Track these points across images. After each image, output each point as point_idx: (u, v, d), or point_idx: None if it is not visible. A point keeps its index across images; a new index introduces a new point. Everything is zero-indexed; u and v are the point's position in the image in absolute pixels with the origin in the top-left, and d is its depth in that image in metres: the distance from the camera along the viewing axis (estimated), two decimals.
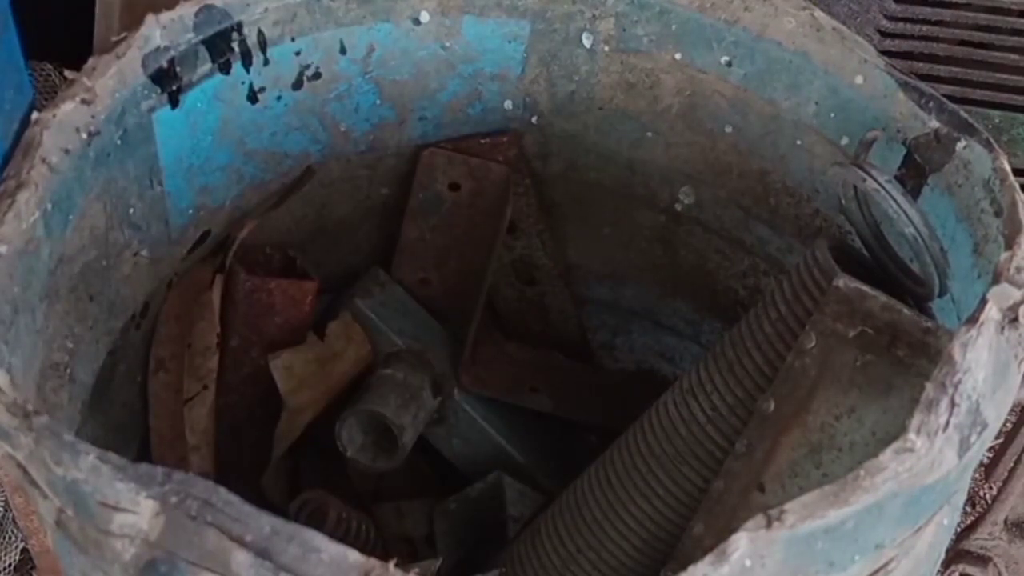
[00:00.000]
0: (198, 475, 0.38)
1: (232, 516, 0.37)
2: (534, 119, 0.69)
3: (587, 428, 0.77)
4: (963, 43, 0.87)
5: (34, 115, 0.52)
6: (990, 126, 0.87)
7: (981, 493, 1.14)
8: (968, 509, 1.12)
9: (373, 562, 0.37)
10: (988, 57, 0.87)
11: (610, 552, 0.60)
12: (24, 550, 1.00)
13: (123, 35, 0.56)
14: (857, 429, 0.53)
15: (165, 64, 0.56)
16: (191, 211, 0.62)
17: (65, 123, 0.52)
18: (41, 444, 0.39)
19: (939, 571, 0.97)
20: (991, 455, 1.10)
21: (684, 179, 0.69)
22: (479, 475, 0.72)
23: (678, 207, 0.70)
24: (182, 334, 0.65)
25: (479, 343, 0.73)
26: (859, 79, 0.59)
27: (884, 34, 0.85)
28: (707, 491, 0.57)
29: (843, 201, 0.58)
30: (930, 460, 0.40)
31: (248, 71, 0.60)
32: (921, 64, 0.86)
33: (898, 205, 0.53)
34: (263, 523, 0.37)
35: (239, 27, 0.59)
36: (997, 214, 0.52)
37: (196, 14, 0.57)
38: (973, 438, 0.41)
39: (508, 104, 0.68)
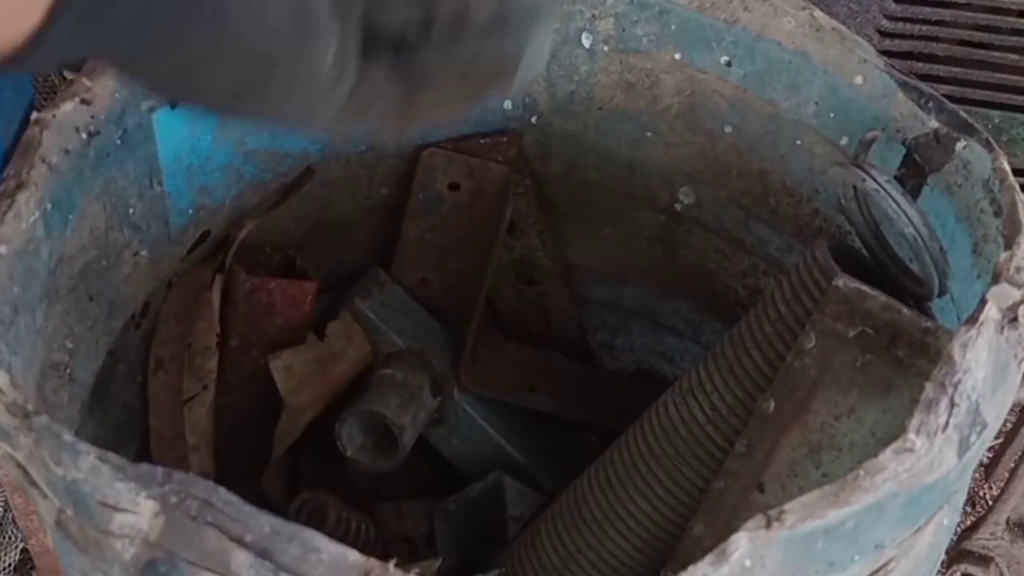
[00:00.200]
0: (198, 475, 0.38)
1: (232, 516, 0.37)
2: (534, 119, 0.69)
3: (587, 428, 0.77)
4: (963, 43, 0.87)
5: (34, 115, 0.52)
6: (990, 126, 0.87)
7: (981, 493, 1.14)
8: (968, 509, 1.12)
9: (373, 562, 0.37)
10: (988, 57, 0.87)
11: (610, 552, 0.60)
12: (24, 550, 1.00)
13: None
14: (857, 429, 0.53)
15: None
16: (191, 211, 0.62)
17: (65, 123, 0.52)
18: (41, 444, 0.39)
19: (941, 571, 0.97)
20: (991, 455, 1.10)
21: (684, 179, 0.69)
22: (479, 475, 0.72)
23: (678, 207, 0.70)
24: (182, 334, 0.65)
25: (479, 343, 0.73)
26: (859, 79, 0.59)
27: (884, 34, 0.85)
28: (707, 491, 0.57)
29: (843, 201, 0.58)
30: (930, 460, 0.40)
31: None
32: (921, 64, 0.86)
33: (898, 205, 0.53)
34: (263, 523, 0.37)
35: None
36: (997, 214, 0.52)
37: None
38: (973, 438, 0.41)
39: (508, 104, 0.68)
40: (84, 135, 0.53)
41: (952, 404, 0.41)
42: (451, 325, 0.74)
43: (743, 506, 0.55)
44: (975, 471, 1.07)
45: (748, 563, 0.38)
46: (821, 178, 0.63)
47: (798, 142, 0.63)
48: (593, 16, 0.64)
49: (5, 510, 0.98)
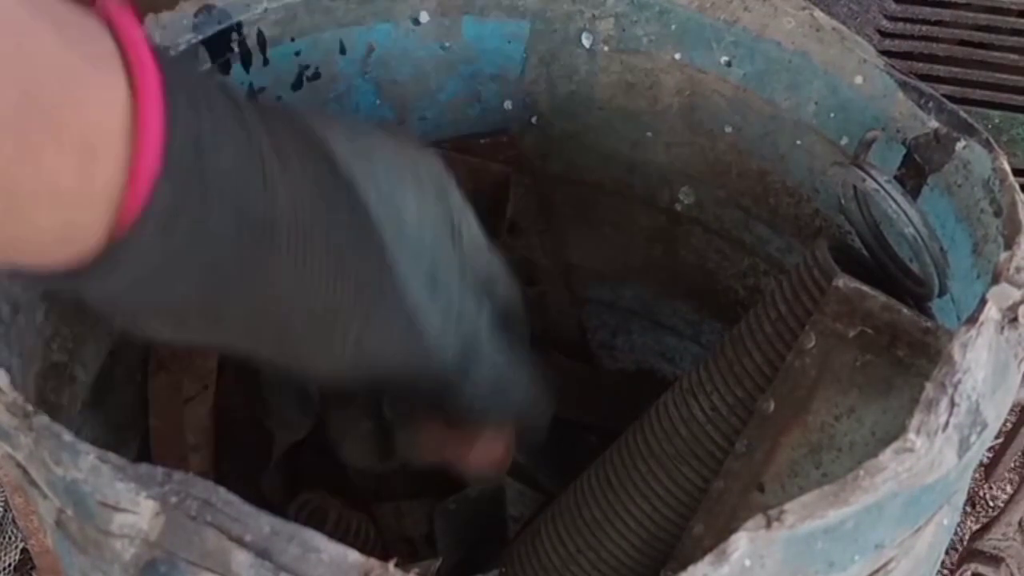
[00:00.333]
0: (198, 475, 0.38)
1: (232, 516, 0.37)
2: (534, 119, 0.69)
3: (587, 428, 0.77)
4: (963, 43, 0.87)
5: None
6: (990, 126, 0.87)
7: (981, 493, 1.14)
8: (968, 509, 1.12)
9: (373, 562, 0.37)
10: (988, 57, 0.87)
11: (610, 552, 0.60)
12: (24, 550, 1.00)
13: None
14: (857, 429, 0.53)
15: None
16: None
17: None
18: (41, 444, 0.39)
19: (950, 570, 0.97)
20: (991, 455, 1.10)
21: (684, 179, 0.69)
22: None
23: (678, 207, 0.70)
24: None
25: None
26: (859, 79, 0.59)
27: (884, 34, 0.85)
28: (707, 491, 0.57)
29: (843, 201, 0.58)
30: (930, 460, 0.40)
31: (248, 71, 0.60)
32: (921, 64, 0.86)
33: (898, 205, 0.53)
34: (263, 523, 0.37)
35: (239, 27, 0.59)
36: (997, 214, 0.51)
37: (196, 14, 0.57)
38: (973, 438, 0.41)
39: (508, 104, 0.68)
40: None
41: (952, 404, 0.41)
42: None
43: (743, 506, 0.55)
44: (975, 471, 1.07)
45: (748, 563, 0.38)
46: (821, 178, 0.63)
47: (798, 142, 0.63)
48: (593, 16, 0.64)
49: (5, 510, 0.98)
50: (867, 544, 0.41)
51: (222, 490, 0.38)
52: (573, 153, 0.70)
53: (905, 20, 0.85)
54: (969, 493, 1.06)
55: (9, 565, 0.98)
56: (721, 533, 0.51)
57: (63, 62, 0.31)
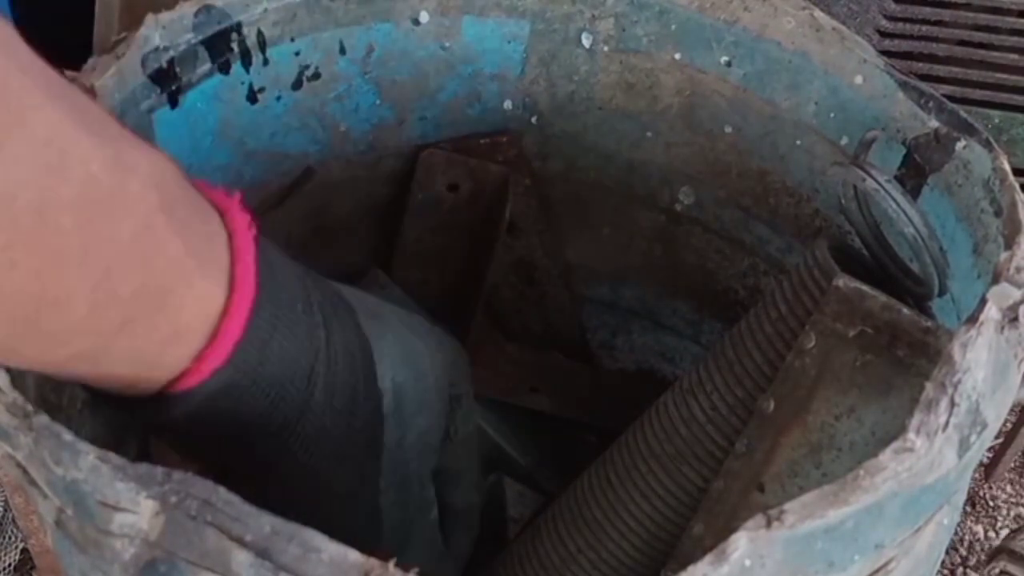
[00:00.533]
0: (198, 475, 0.38)
1: (232, 516, 0.37)
2: (534, 119, 0.69)
3: (587, 428, 0.77)
4: (963, 43, 0.87)
5: None
6: (990, 126, 0.88)
7: (981, 493, 1.14)
8: (968, 509, 1.12)
9: (373, 562, 0.37)
10: (988, 57, 0.87)
11: (610, 552, 0.60)
12: (24, 550, 1.00)
13: (123, 35, 0.56)
14: (857, 429, 0.53)
15: (165, 64, 0.56)
16: None
17: None
18: (41, 444, 0.39)
19: (950, 570, 0.97)
20: (991, 455, 1.10)
21: (684, 179, 0.69)
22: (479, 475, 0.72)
23: (678, 207, 0.70)
24: None
25: (479, 344, 0.73)
26: (859, 79, 0.59)
27: (884, 34, 0.85)
28: (707, 491, 0.57)
29: (843, 201, 0.58)
30: (930, 460, 0.40)
31: (248, 71, 0.60)
32: (921, 64, 0.86)
33: (898, 205, 0.53)
34: (263, 523, 0.37)
35: (239, 27, 0.59)
36: (997, 214, 0.51)
37: (196, 14, 0.57)
38: (973, 438, 0.41)
39: (508, 104, 0.68)
40: None
41: (952, 404, 0.41)
42: (451, 325, 0.74)
43: (743, 506, 0.55)
44: (975, 471, 1.07)
45: (748, 563, 0.38)
46: (821, 178, 0.63)
47: (798, 142, 0.63)
48: (593, 16, 0.64)
49: (5, 510, 0.98)
50: (867, 544, 0.41)
51: (222, 490, 0.38)
52: (573, 153, 0.70)
53: (905, 20, 0.85)
54: (969, 493, 1.06)
55: (9, 565, 0.98)
56: (721, 533, 0.51)
57: (179, 262, 0.37)
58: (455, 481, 0.56)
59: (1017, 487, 1.14)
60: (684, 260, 0.72)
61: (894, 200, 0.53)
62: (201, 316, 0.39)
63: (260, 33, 0.60)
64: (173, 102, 0.57)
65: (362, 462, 0.48)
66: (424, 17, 0.63)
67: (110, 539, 0.39)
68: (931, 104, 0.56)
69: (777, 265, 0.68)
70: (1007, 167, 0.52)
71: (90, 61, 0.54)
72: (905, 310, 0.53)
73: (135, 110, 0.56)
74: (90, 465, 0.38)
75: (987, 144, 0.53)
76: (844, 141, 0.60)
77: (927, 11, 0.85)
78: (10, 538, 0.98)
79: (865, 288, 0.53)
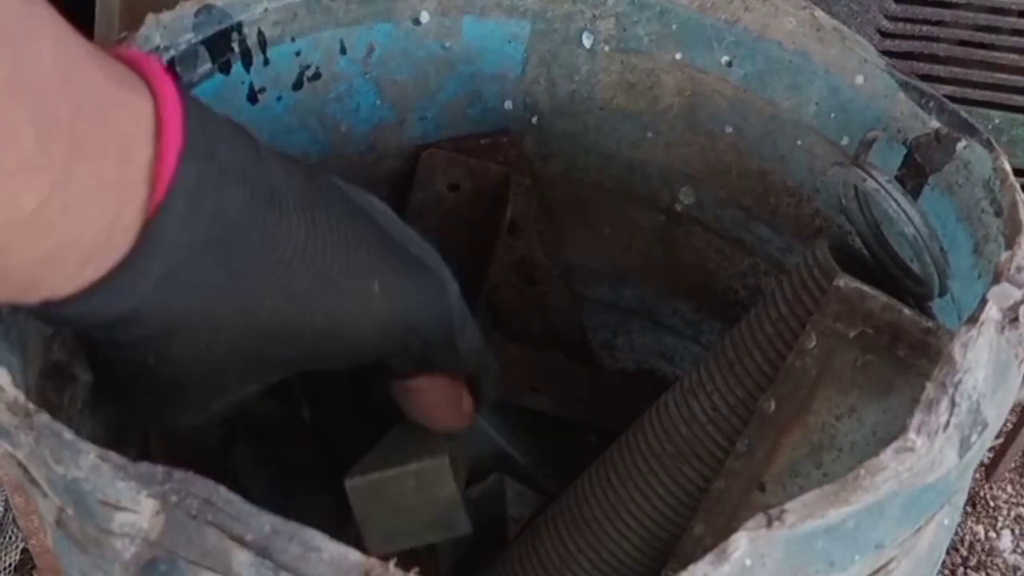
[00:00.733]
0: (198, 474, 0.38)
1: (232, 515, 0.37)
2: (534, 119, 0.69)
3: (587, 428, 0.77)
4: (963, 43, 0.87)
5: None
6: (990, 126, 0.88)
7: (981, 493, 1.14)
8: (968, 509, 1.12)
9: (373, 562, 0.37)
10: (988, 57, 0.87)
11: (610, 552, 0.60)
12: (24, 550, 1.00)
13: (123, 35, 0.56)
14: (858, 429, 0.53)
15: (165, 64, 0.56)
16: None
17: None
18: (41, 443, 0.39)
19: (951, 570, 0.97)
20: (991, 455, 1.10)
21: (684, 179, 0.69)
22: (479, 476, 0.72)
23: (678, 207, 0.70)
24: None
25: None
26: (859, 79, 0.59)
27: (884, 34, 0.85)
28: (708, 491, 0.57)
29: (843, 201, 0.58)
30: (930, 460, 0.40)
31: (248, 71, 0.60)
32: (921, 64, 0.86)
33: (898, 205, 0.53)
34: (263, 522, 0.37)
35: (239, 27, 0.59)
36: (997, 214, 0.52)
37: (196, 14, 0.57)
38: (973, 438, 0.41)
39: (508, 104, 0.68)
40: None
41: (953, 404, 0.41)
42: None
43: (744, 505, 0.55)
44: (975, 471, 1.07)
45: (748, 562, 0.38)
46: (822, 178, 0.63)
47: (799, 142, 0.63)
48: (594, 16, 0.64)
49: (5, 510, 0.98)
50: (867, 544, 0.41)
51: (223, 489, 0.38)
52: (573, 153, 0.70)
53: (905, 20, 0.85)
54: (969, 493, 1.06)
55: (9, 565, 0.98)
56: (722, 533, 0.51)
57: (102, 86, 0.40)
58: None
59: (1017, 487, 1.14)
60: (684, 260, 0.72)
61: (895, 200, 0.53)
62: (139, 123, 0.41)
63: (260, 33, 0.60)
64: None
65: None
66: (425, 17, 0.63)
67: (110, 538, 0.39)
68: (932, 104, 0.56)
69: (777, 265, 0.68)
70: (1008, 167, 0.52)
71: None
72: (906, 310, 0.53)
73: None
74: (91, 464, 0.39)
75: (988, 144, 0.53)
76: (845, 141, 0.60)
77: (928, 11, 0.85)
78: (10, 538, 0.98)
79: (866, 288, 0.53)
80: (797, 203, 0.65)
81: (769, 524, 0.38)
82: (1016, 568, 1.09)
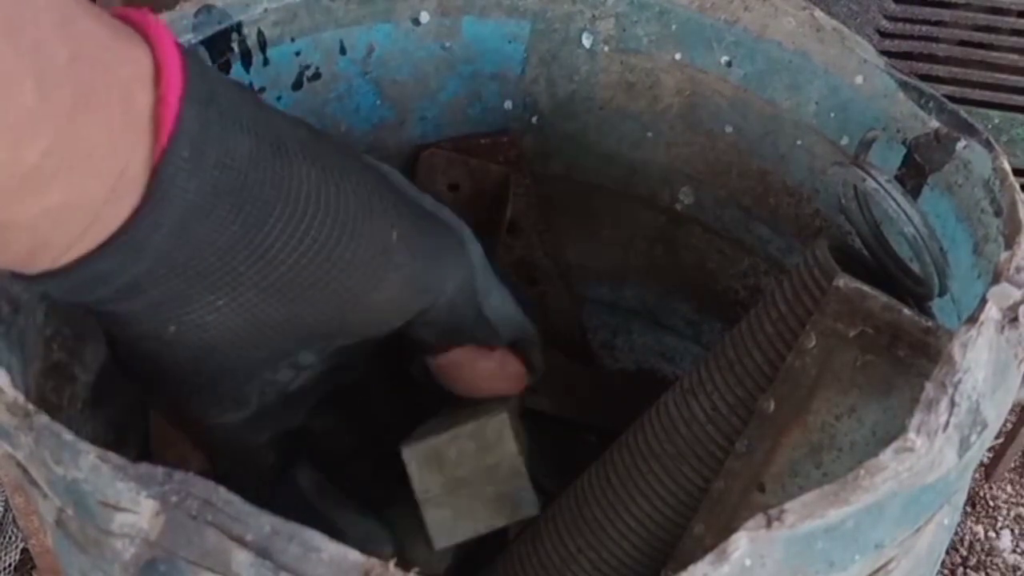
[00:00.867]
0: (199, 475, 0.38)
1: (232, 515, 0.37)
2: (534, 119, 0.69)
3: (587, 428, 0.77)
4: (963, 43, 0.87)
5: None
6: (990, 126, 0.88)
7: (981, 493, 1.14)
8: (968, 509, 1.12)
9: (373, 561, 0.37)
10: (988, 57, 0.87)
11: (610, 552, 0.60)
12: (24, 550, 1.00)
13: None
14: (857, 429, 0.53)
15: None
16: None
17: None
18: (41, 443, 0.39)
19: (950, 570, 0.97)
20: (991, 455, 1.10)
21: (684, 179, 0.69)
22: None
23: (678, 207, 0.70)
24: None
25: None
26: (859, 79, 0.59)
27: (884, 34, 0.85)
28: (707, 491, 0.57)
29: (843, 201, 0.58)
30: (930, 460, 0.40)
31: (248, 71, 0.60)
32: (921, 64, 0.86)
33: (898, 205, 0.53)
34: (263, 522, 0.37)
35: (239, 27, 0.59)
36: (997, 214, 0.52)
37: (196, 14, 0.57)
38: (973, 438, 0.41)
39: (508, 104, 0.68)
40: None
41: (952, 404, 0.41)
42: None
43: (744, 506, 0.55)
44: (975, 471, 1.07)
45: (748, 562, 0.38)
46: (821, 178, 0.63)
47: (798, 142, 0.63)
48: (593, 16, 0.64)
49: (5, 510, 0.98)
50: (867, 544, 0.41)
51: (222, 489, 0.38)
52: (573, 153, 0.70)
53: (905, 20, 0.85)
54: (969, 493, 1.06)
55: (9, 565, 0.98)
56: (722, 533, 0.51)
57: (100, 35, 0.39)
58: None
59: (1017, 487, 1.14)
60: (684, 260, 0.72)
61: (894, 200, 0.53)
62: (138, 69, 0.40)
63: (260, 33, 0.60)
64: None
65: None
66: (424, 17, 0.63)
67: (110, 539, 0.39)
68: (931, 104, 0.56)
69: (777, 265, 0.68)
70: (1007, 167, 0.52)
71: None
72: (906, 310, 0.53)
73: None
74: (90, 465, 0.39)
75: (987, 144, 0.53)
76: (844, 141, 0.60)
77: (927, 11, 0.85)
78: (10, 538, 0.98)
79: (866, 288, 0.53)
80: (797, 203, 0.65)
81: (769, 524, 0.38)
82: (1016, 568, 1.09)
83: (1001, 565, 1.09)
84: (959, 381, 0.41)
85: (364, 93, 0.65)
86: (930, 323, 0.53)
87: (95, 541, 0.40)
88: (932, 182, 0.56)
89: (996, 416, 0.43)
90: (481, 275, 0.53)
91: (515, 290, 0.57)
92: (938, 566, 0.51)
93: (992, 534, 1.11)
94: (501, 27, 0.65)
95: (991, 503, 1.13)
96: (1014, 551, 1.10)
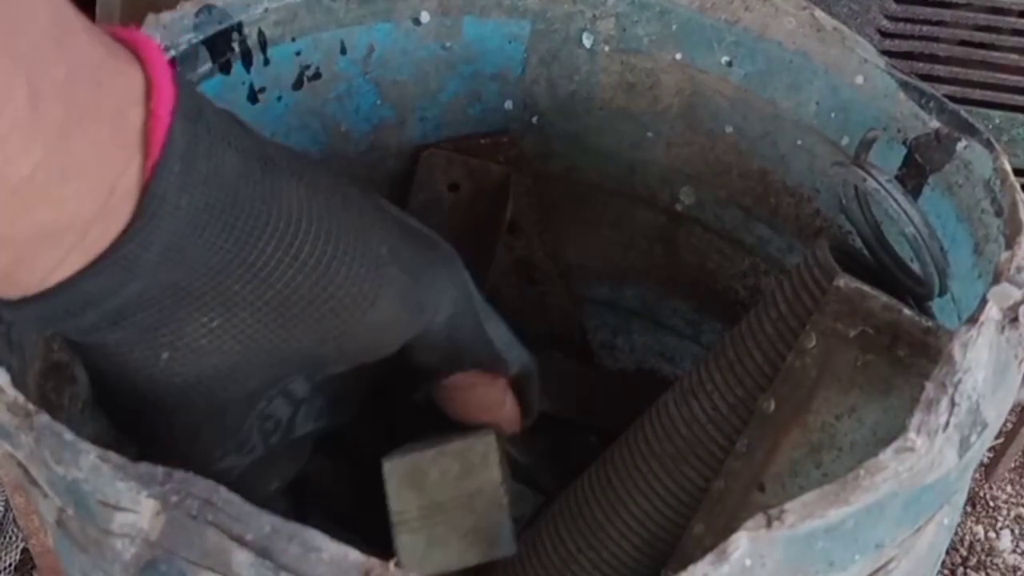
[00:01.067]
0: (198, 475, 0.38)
1: (232, 515, 0.37)
2: (534, 119, 0.69)
3: (587, 428, 0.77)
4: (963, 43, 0.87)
5: None
6: (990, 126, 0.88)
7: (981, 493, 1.14)
8: (968, 509, 1.12)
9: (373, 561, 0.37)
10: (988, 57, 0.87)
11: (610, 552, 0.60)
12: (24, 550, 1.00)
13: None
14: (857, 429, 0.53)
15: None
16: None
17: None
18: (42, 443, 0.39)
19: (950, 570, 0.97)
20: (991, 455, 1.10)
21: (684, 179, 0.69)
22: None
23: (678, 207, 0.70)
24: None
25: None
26: (859, 79, 0.59)
27: (884, 34, 0.85)
28: (707, 491, 0.57)
29: (843, 201, 0.58)
30: (930, 460, 0.40)
31: (248, 71, 0.60)
32: (921, 64, 0.86)
33: (898, 205, 0.53)
34: (263, 522, 0.37)
35: (239, 27, 0.59)
36: (998, 214, 0.52)
37: (196, 14, 0.57)
38: (973, 438, 0.41)
39: (508, 104, 0.68)
40: None
41: (953, 404, 0.41)
42: None
43: (744, 505, 0.55)
44: (975, 471, 1.07)
45: (748, 562, 0.38)
46: (822, 178, 0.63)
47: (799, 142, 0.63)
48: (594, 16, 0.64)
49: (5, 510, 0.98)
50: (867, 544, 0.41)
51: (223, 489, 0.38)
52: (573, 153, 0.70)
53: (905, 20, 0.85)
54: (969, 493, 1.06)
55: (9, 565, 0.98)
56: (722, 533, 0.51)
57: (95, 52, 0.39)
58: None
59: (1017, 487, 1.14)
60: (684, 260, 0.72)
61: (895, 200, 0.53)
62: (131, 87, 0.40)
63: (261, 33, 0.60)
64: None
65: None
66: (425, 17, 0.63)
67: (111, 539, 0.39)
68: (932, 104, 0.56)
69: (777, 265, 0.68)
70: (1008, 167, 0.52)
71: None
72: (906, 310, 0.53)
73: None
74: (91, 464, 0.39)
75: (988, 144, 0.53)
76: (845, 141, 0.60)
77: (928, 11, 0.85)
78: (10, 538, 0.98)
79: (866, 288, 0.53)
80: (797, 203, 0.65)
81: (769, 524, 0.38)
82: (1016, 568, 1.09)
83: (1001, 565, 1.09)
84: (959, 381, 0.41)
85: (364, 93, 0.65)
86: (930, 323, 0.53)
87: (95, 541, 0.40)
88: (933, 182, 0.56)
89: (996, 416, 0.43)
90: (479, 300, 0.52)
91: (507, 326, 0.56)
92: (938, 566, 0.51)
93: (992, 534, 1.11)
94: (501, 27, 0.65)
95: (991, 503, 1.12)
96: (1014, 551, 1.10)
